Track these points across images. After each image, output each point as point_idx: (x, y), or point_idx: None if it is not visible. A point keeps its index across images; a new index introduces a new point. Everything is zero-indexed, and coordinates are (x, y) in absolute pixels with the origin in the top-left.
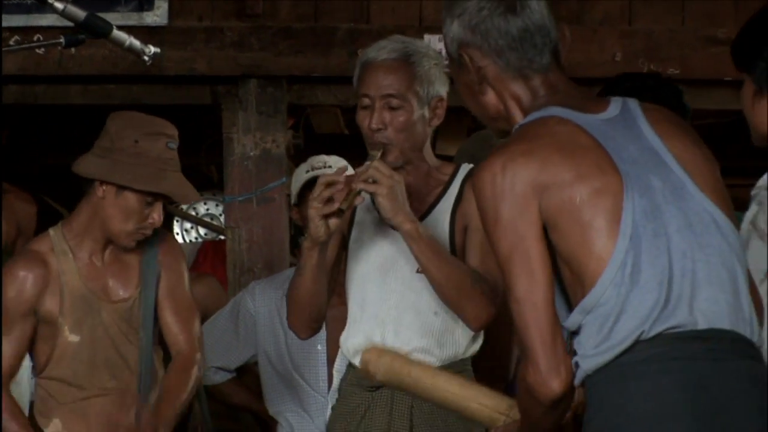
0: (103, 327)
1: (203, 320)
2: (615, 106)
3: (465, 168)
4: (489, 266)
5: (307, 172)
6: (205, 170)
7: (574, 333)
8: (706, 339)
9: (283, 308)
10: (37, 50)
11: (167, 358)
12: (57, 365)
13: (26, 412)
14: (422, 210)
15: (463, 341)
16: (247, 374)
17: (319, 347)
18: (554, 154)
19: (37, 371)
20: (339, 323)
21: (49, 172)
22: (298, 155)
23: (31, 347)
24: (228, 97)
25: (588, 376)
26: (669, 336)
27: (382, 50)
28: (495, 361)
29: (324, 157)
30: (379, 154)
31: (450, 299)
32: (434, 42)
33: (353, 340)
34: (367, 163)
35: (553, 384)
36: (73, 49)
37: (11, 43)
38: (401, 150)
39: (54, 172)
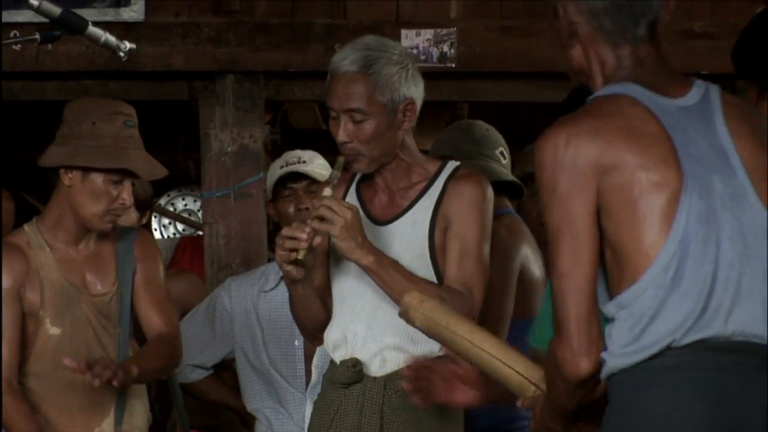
0: (84, 319)
1: (183, 316)
2: (697, 91)
3: (451, 165)
4: (466, 274)
5: (282, 167)
6: (182, 166)
7: (607, 321)
8: (736, 351)
9: (259, 304)
10: (13, 46)
11: None
12: (38, 360)
13: None
14: (403, 206)
15: None
16: (225, 370)
17: (296, 343)
18: (620, 137)
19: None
20: None
21: (26, 169)
22: (275, 151)
23: None
24: (205, 93)
25: (612, 374)
26: (699, 346)
27: (344, 61)
28: None
29: (299, 152)
30: (343, 161)
31: None
32: (411, 37)
33: (331, 334)
34: (333, 172)
35: (581, 363)
36: (49, 45)
37: None
38: (371, 159)
39: (31, 168)
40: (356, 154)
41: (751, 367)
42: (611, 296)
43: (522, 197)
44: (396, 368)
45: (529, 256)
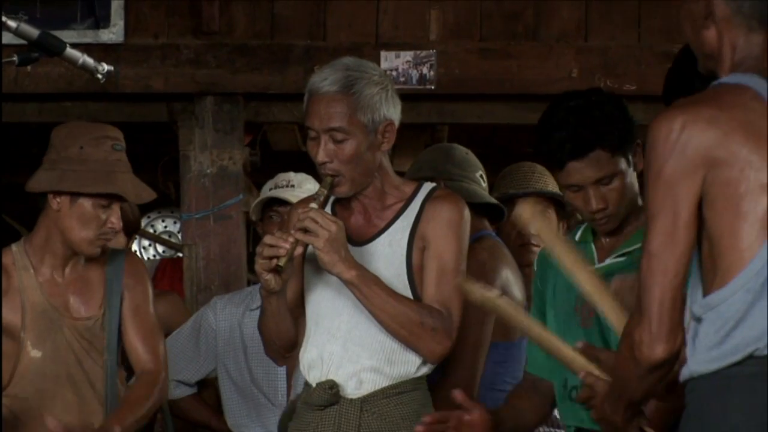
0: (65, 343)
1: (165, 337)
2: None
3: (427, 187)
4: (444, 294)
5: (271, 189)
6: (162, 187)
7: (695, 319)
8: None
9: (244, 323)
10: None
11: (130, 378)
12: (20, 382)
13: None
14: (380, 226)
15: (415, 360)
16: (207, 389)
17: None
18: (738, 131)
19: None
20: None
21: (6, 191)
22: (255, 172)
23: None
24: (184, 115)
25: (692, 378)
26: None
27: (325, 81)
28: (458, 383)
29: (291, 175)
30: (331, 180)
31: (399, 338)
32: (390, 59)
33: (306, 355)
34: (320, 189)
35: (657, 347)
36: (28, 67)
37: None
38: (352, 180)
39: (11, 190)
40: (336, 174)
41: None
42: (704, 294)
43: (502, 220)
44: (373, 389)
45: (510, 279)
